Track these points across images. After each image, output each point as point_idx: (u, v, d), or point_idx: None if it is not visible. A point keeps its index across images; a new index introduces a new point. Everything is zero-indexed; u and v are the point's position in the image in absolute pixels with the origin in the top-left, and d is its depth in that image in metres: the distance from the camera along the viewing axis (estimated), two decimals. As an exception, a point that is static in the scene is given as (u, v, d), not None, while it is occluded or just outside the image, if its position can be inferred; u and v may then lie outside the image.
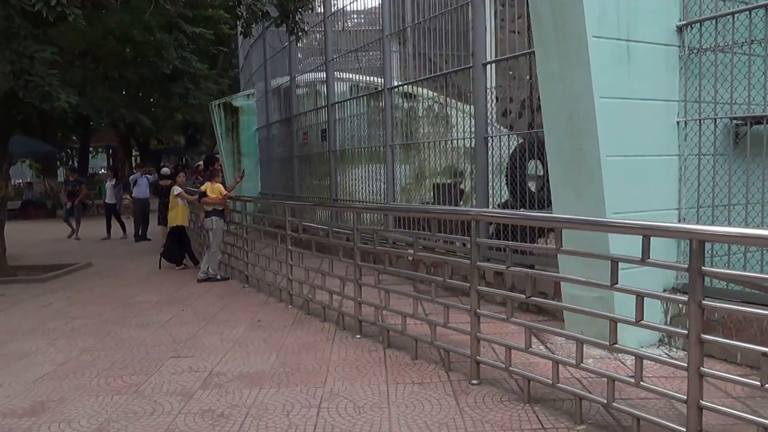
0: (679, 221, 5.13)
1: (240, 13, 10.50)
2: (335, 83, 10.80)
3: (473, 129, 7.19)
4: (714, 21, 4.82)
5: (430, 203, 8.45)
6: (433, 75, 7.94)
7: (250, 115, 15.59)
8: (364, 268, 5.62)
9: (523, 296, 3.96)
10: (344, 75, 10.84)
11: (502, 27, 9.67)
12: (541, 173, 6.72)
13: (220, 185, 8.50)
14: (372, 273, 5.54)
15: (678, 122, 5.09)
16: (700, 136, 4.97)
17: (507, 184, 7.16)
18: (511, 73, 7.68)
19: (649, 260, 3.23)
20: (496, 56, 8.85)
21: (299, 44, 10.56)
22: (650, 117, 4.98)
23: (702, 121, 4.96)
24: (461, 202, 8.55)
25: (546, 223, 3.71)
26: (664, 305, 5.07)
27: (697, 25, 4.96)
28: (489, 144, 7.10)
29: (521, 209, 6.98)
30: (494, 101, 7.35)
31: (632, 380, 3.34)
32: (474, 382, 4.29)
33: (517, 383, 4.25)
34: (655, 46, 4.96)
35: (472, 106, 8.05)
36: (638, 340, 5.01)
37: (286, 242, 6.87)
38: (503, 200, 7.40)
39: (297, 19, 8.69)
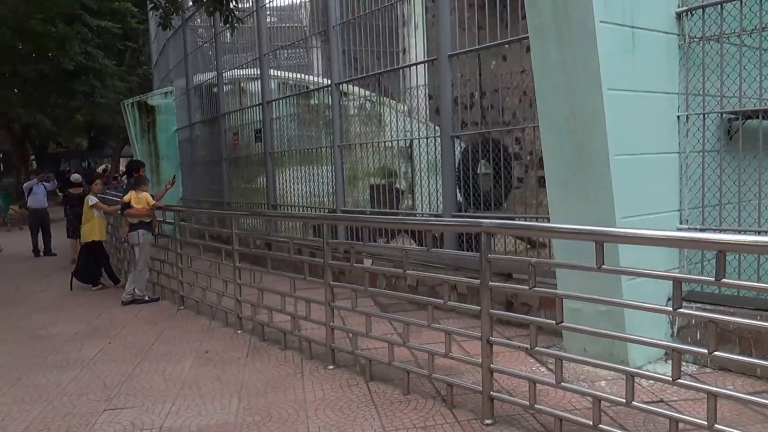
0: (681, 222, 4.72)
1: (158, 2, 9.42)
2: (270, 79, 9.94)
3: (438, 127, 6.57)
4: (718, 6, 4.43)
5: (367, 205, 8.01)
6: (394, 68, 7.25)
7: (169, 114, 14.31)
8: (336, 287, 4.87)
9: (552, 322, 3.36)
10: (274, 72, 10.06)
11: (433, 24, 9.34)
12: (490, 172, 6.40)
13: (148, 194, 7.44)
14: (344, 294, 4.81)
15: (679, 117, 4.67)
16: (704, 132, 4.57)
17: (458, 185, 6.82)
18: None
19: (725, 280, 2.71)
20: (426, 54, 8.39)
21: (232, 34, 9.61)
22: (653, 111, 4.53)
23: (706, 116, 4.56)
24: (401, 203, 8.13)
25: (587, 236, 3.11)
26: (670, 316, 4.64)
27: (699, 11, 4.56)
28: (456, 143, 6.52)
29: (473, 210, 6.61)
30: (427, 99, 7.08)
31: (704, 422, 2.80)
32: (488, 422, 3.65)
33: (537, 420, 3.65)
34: (656, 33, 4.52)
35: (405, 105, 7.79)
36: (646, 356, 4.57)
37: (233, 258, 5.99)
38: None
39: (231, 6, 7.75)
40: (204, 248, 6.69)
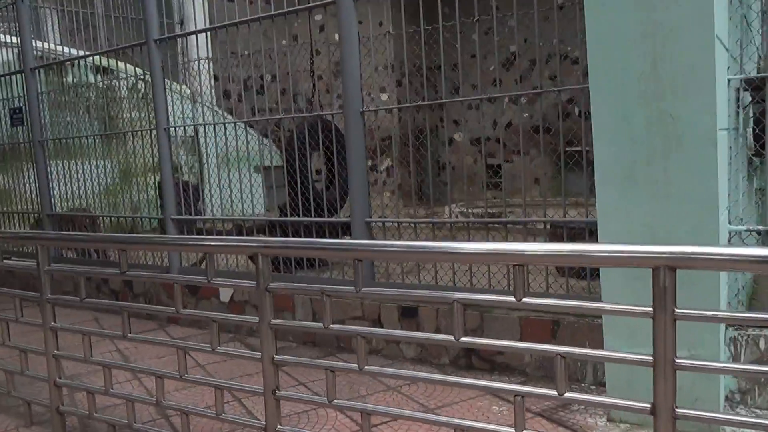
0: (730, 222, 3.64)
1: None
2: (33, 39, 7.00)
3: (344, 101, 4.72)
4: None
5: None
6: (282, 12, 4.96)
7: None
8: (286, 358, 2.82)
9: None
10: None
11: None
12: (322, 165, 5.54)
13: None
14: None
15: (729, 80, 3.55)
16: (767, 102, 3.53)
17: (289, 185, 5.58)
18: (231, 52, 5.88)
19: None
20: (213, 22, 7.14)
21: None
22: (717, 73, 3.34)
23: (768, 81, 3.52)
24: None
25: None
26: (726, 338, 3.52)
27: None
28: (366, 120, 4.77)
29: (304, 214, 5.15)
30: (212, 80, 6.13)
31: None
32: None
33: None
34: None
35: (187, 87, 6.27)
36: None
37: (43, 312, 3.46)
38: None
39: None
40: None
